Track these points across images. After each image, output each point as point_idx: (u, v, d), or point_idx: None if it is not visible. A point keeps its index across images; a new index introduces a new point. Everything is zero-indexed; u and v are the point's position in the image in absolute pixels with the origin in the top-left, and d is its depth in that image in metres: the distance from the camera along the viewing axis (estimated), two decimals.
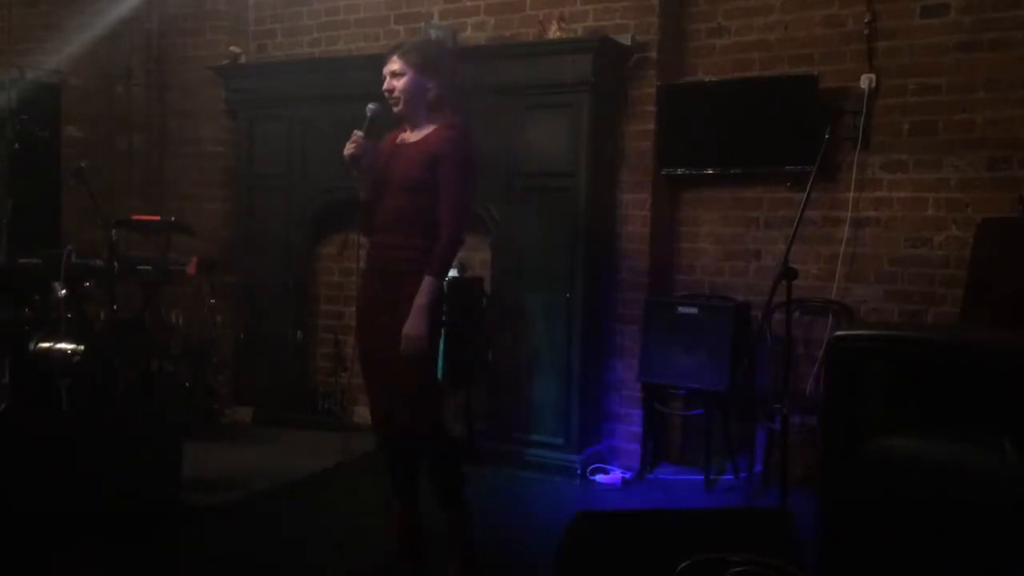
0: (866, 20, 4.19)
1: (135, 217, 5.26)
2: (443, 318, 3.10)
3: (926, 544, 2.44)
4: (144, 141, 5.87)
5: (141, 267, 4.74)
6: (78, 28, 5.74)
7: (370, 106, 3.06)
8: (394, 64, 3.02)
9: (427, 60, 3.04)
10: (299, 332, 5.41)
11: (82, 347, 4.34)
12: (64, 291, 4.46)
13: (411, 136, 3.08)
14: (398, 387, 3.01)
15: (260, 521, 3.75)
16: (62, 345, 4.37)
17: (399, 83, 3.00)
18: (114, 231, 4.56)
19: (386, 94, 3.04)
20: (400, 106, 3.03)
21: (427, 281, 2.92)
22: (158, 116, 5.84)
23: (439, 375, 4.46)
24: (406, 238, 2.99)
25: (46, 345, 4.39)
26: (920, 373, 2.66)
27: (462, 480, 3.09)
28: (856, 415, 2.66)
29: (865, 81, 4.20)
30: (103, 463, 3.39)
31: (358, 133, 2.99)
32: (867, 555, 2.54)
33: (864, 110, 4.20)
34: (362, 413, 5.01)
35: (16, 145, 4.91)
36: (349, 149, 2.98)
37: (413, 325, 2.91)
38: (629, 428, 4.61)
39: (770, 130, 4.30)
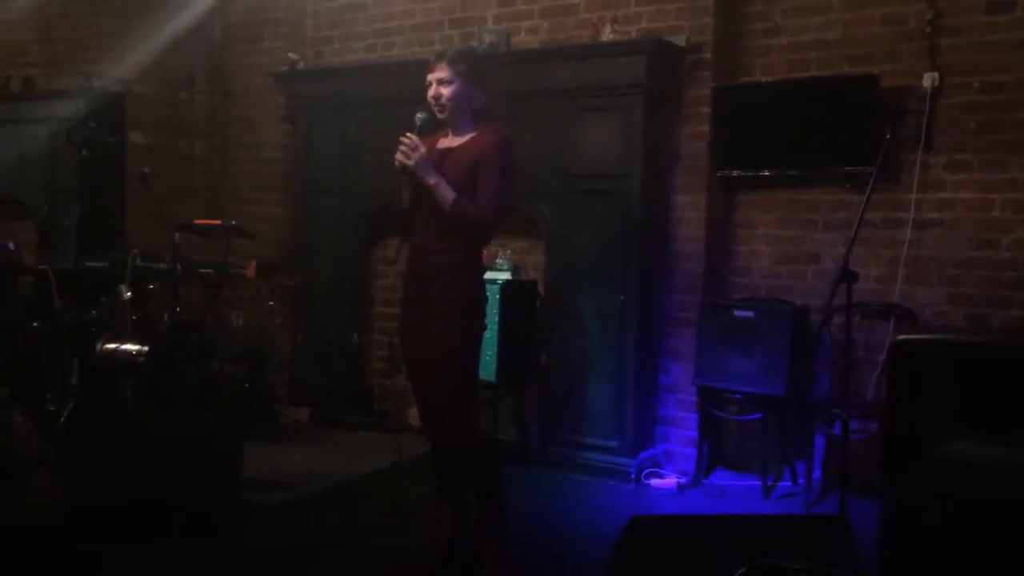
0: (928, 17, 4.09)
1: (197, 221, 5.37)
2: (484, 322, 3.12)
3: (990, 552, 2.38)
4: (206, 147, 6.01)
5: (203, 270, 4.84)
6: (142, 37, 5.90)
7: (419, 115, 3.07)
8: (441, 72, 3.03)
9: (473, 68, 3.08)
10: (355, 334, 5.48)
11: (146, 348, 4.45)
12: (129, 293, 4.59)
13: (453, 141, 3.10)
14: (436, 390, 3.03)
15: (316, 520, 3.80)
16: (127, 346, 4.48)
17: (447, 91, 3.03)
18: (177, 235, 4.67)
19: (432, 101, 3.06)
20: (446, 113, 3.06)
21: (452, 195, 2.92)
22: (220, 122, 5.97)
23: (493, 377, 4.52)
24: (444, 241, 3.01)
25: (112, 346, 4.51)
26: (985, 378, 2.59)
27: (500, 480, 3.13)
28: (919, 421, 2.60)
29: (928, 80, 4.11)
30: (166, 461, 3.48)
31: (414, 138, 2.98)
32: (929, 563, 2.48)
33: (927, 109, 4.11)
34: (416, 415, 5.05)
35: (84, 152, 5.08)
36: (403, 158, 2.97)
37: (423, 173, 2.94)
38: (684, 432, 4.57)
39: (828, 131, 4.22)
